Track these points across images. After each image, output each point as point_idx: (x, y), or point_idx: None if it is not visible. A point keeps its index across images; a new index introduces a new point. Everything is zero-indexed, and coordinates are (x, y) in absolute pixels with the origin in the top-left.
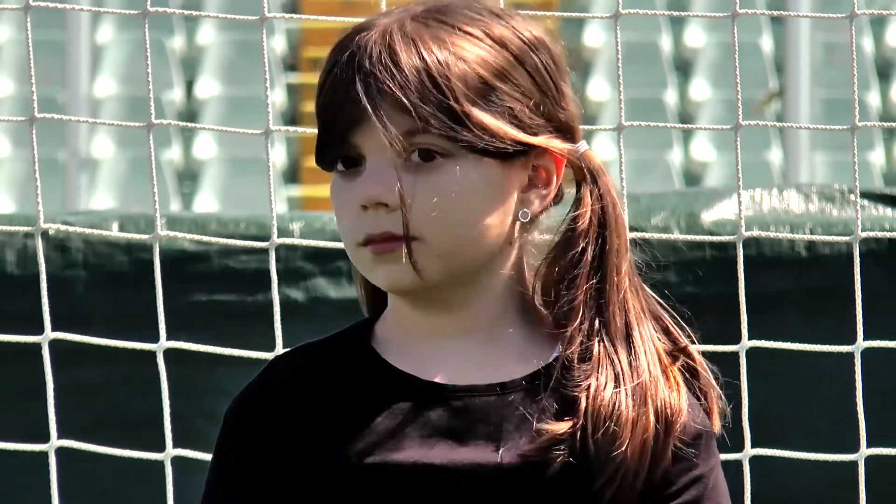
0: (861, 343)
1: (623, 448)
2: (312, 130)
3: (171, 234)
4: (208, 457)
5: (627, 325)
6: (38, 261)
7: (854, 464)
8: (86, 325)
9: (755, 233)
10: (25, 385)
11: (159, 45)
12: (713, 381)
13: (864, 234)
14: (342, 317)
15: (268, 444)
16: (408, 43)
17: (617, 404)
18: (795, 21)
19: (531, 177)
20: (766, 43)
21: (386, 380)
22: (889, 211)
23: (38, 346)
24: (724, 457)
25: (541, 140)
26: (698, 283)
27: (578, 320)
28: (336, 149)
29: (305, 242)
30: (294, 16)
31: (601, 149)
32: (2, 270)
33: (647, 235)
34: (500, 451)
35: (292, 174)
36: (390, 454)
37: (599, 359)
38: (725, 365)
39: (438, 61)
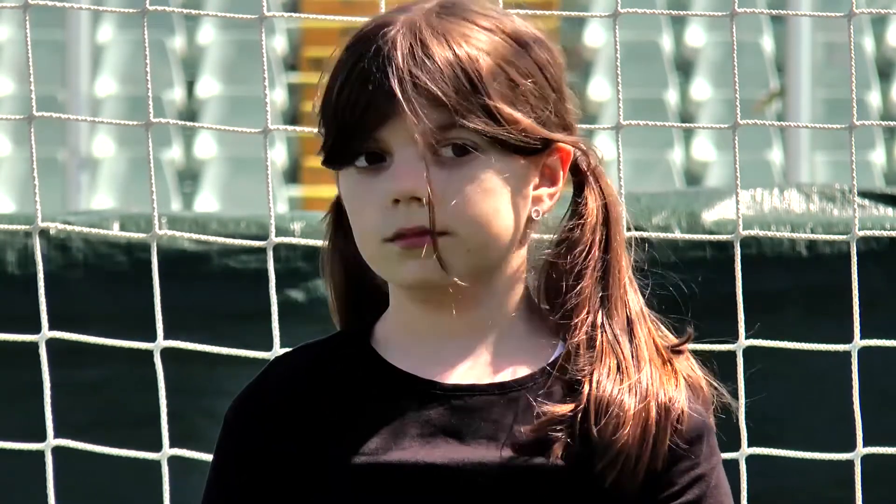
0: (858, 342)
1: (624, 431)
2: (312, 130)
3: (169, 233)
4: (207, 456)
5: (629, 319)
6: (36, 260)
7: (852, 463)
8: (86, 324)
9: (753, 232)
10: (26, 384)
11: (160, 44)
12: (702, 380)
13: (861, 234)
14: None
15: (268, 443)
16: (437, 37)
17: (619, 391)
18: (796, 21)
19: (540, 175)
20: (767, 42)
21: (386, 380)
22: (889, 210)
23: (37, 346)
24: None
25: (561, 137)
26: (699, 282)
27: (584, 314)
28: (362, 144)
29: (305, 242)
30: (294, 15)
31: (602, 148)
32: (2, 270)
33: (647, 235)
34: (501, 450)
35: (293, 174)
36: (392, 454)
37: (603, 348)
38: (725, 364)
39: (469, 56)
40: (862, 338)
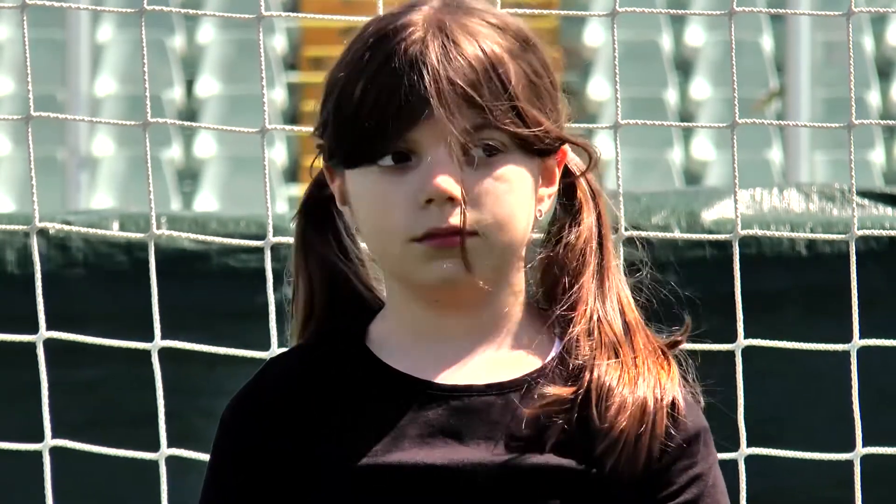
0: (857, 342)
1: (624, 416)
2: (311, 129)
3: (167, 233)
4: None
5: (623, 313)
6: (34, 260)
7: (851, 463)
8: (85, 323)
9: (752, 231)
10: (25, 384)
11: (159, 44)
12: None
13: (860, 233)
14: None
15: (265, 441)
16: (466, 37)
17: (618, 379)
18: (796, 20)
19: (542, 175)
20: (767, 42)
21: (384, 381)
22: (889, 210)
23: (35, 345)
24: (719, 456)
25: (573, 138)
26: (699, 281)
27: (582, 309)
28: (391, 144)
29: None
30: (292, 14)
31: (601, 147)
32: (2, 270)
33: (647, 234)
34: (500, 450)
35: (292, 173)
36: (391, 455)
37: (602, 340)
38: (725, 364)
39: (498, 56)
40: (861, 337)
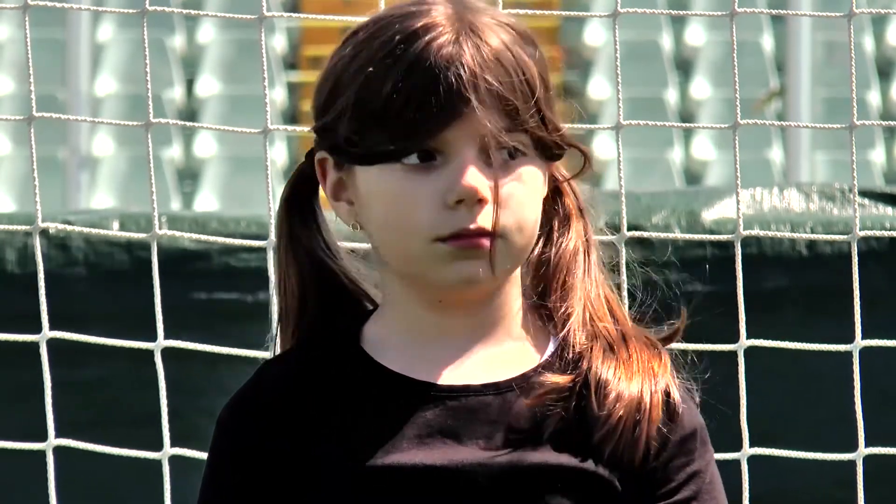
0: (859, 342)
1: (622, 403)
2: (301, 129)
3: (169, 233)
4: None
5: (611, 310)
6: (37, 261)
7: (853, 463)
8: (86, 323)
9: (753, 231)
10: (26, 383)
11: (160, 43)
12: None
13: (861, 233)
14: None
15: (263, 440)
16: (494, 38)
17: (615, 369)
18: (796, 20)
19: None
20: (767, 42)
21: (381, 381)
22: (889, 210)
23: (37, 345)
24: (722, 456)
25: (578, 144)
26: (699, 281)
27: (575, 304)
28: (421, 143)
29: None
30: (293, 15)
31: (602, 147)
32: (2, 269)
33: (647, 234)
34: (500, 450)
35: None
36: (390, 456)
37: (596, 333)
38: (725, 363)
39: (523, 59)
40: (862, 338)
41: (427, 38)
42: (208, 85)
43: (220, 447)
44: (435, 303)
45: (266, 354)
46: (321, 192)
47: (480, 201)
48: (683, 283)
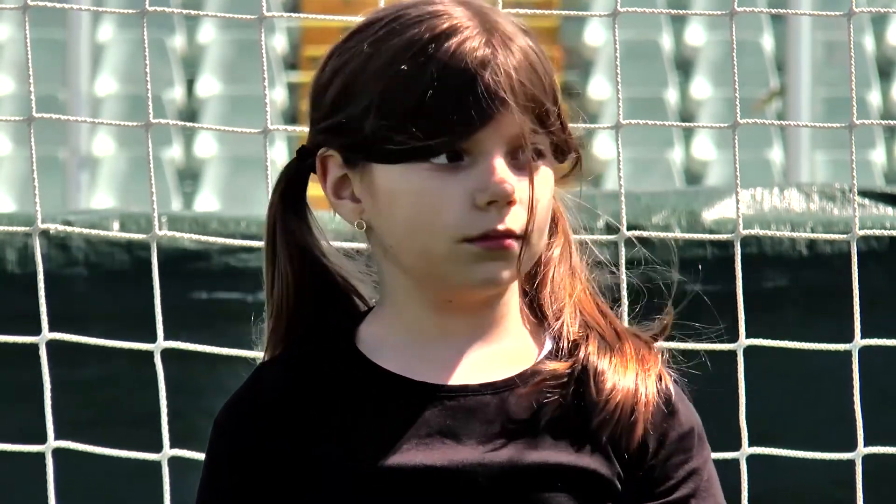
0: (858, 342)
1: (618, 391)
2: (301, 129)
3: (169, 233)
4: None
5: (598, 306)
6: (37, 262)
7: (853, 463)
8: (86, 323)
9: (753, 231)
10: (26, 384)
11: (160, 43)
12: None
13: (861, 233)
14: None
15: (261, 441)
16: (519, 41)
17: (608, 361)
18: (796, 20)
19: None
20: (767, 41)
21: (379, 382)
22: (889, 210)
23: (37, 346)
24: (721, 455)
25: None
26: (700, 281)
27: (566, 301)
28: (453, 142)
29: None
30: (293, 15)
31: (602, 147)
32: (3, 269)
33: (647, 234)
34: (499, 449)
35: None
36: (390, 457)
37: (588, 325)
38: (726, 363)
39: (546, 62)
40: (862, 337)
41: (458, 38)
42: (208, 85)
43: (217, 449)
44: (442, 303)
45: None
46: (313, 192)
47: (509, 203)
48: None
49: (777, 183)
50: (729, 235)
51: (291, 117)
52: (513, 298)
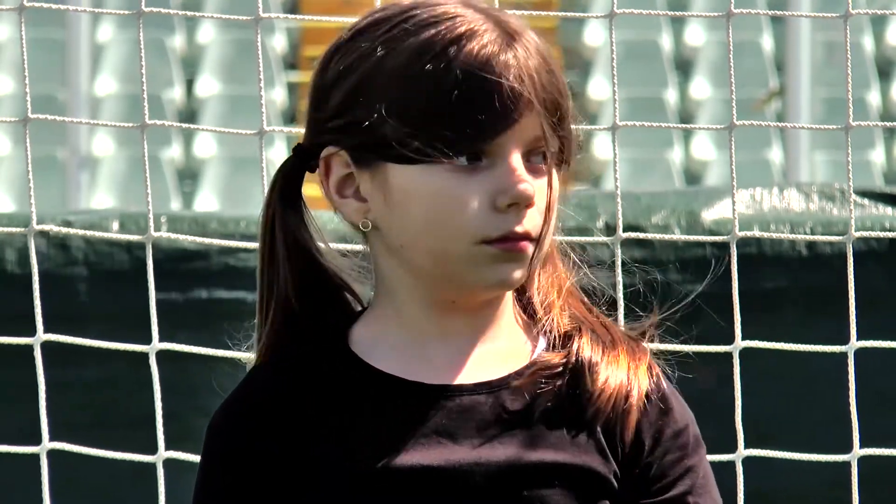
0: (854, 343)
1: (613, 381)
2: (299, 130)
3: (165, 234)
4: None
5: (585, 304)
6: (32, 263)
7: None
8: (86, 323)
9: (749, 233)
10: (27, 383)
11: (159, 43)
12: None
13: (858, 234)
14: None
15: (252, 442)
16: (537, 45)
17: (601, 350)
18: (796, 20)
19: None
20: (767, 42)
21: (374, 383)
22: (889, 210)
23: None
24: (717, 457)
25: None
26: (699, 281)
27: (556, 298)
28: (476, 144)
29: None
30: (289, 16)
31: (601, 148)
32: (2, 269)
33: (647, 235)
34: (496, 448)
35: None
36: (387, 457)
37: (580, 321)
38: (726, 364)
39: (557, 63)
40: (862, 338)
41: (480, 41)
42: (208, 85)
43: (211, 450)
44: (445, 303)
45: None
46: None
47: (528, 205)
48: (682, 283)
49: (777, 183)
50: (725, 237)
51: (291, 117)
52: (507, 298)
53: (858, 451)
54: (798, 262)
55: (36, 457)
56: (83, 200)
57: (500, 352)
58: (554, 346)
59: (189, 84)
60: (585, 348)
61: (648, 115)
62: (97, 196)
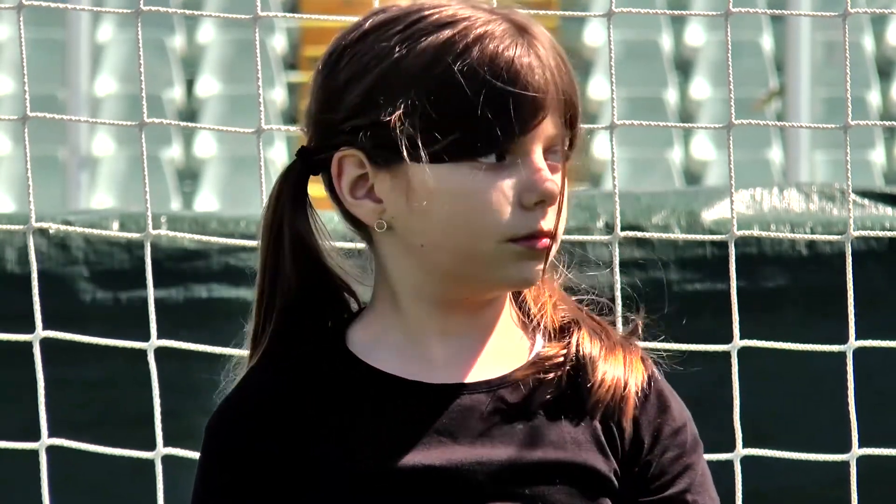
0: (853, 343)
1: (612, 373)
2: (298, 129)
3: (164, 233)
4: None
5: (574, 302)
6: (30, 260)
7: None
8: (86, 322)
9: (748, 232)
10: (27, 382)
11: (160, 43)
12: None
13: (856, 234)
14: None
15: (251, 442)
16: (551, 41)
17: (599, 345)
18: (796, 20)
19: None
20: (767, 42)
21: (374, 383)
22: (889, 210)
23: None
24: (715, 457)
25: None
26: (699, 280)
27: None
28: (508, 143)
29: None
30: (287, 15)
31: (600, 147)
32: (2, 269)
33: (647, 235)
34: (497, 447)
35: None
36: (388, 456)
37: (577, 317)
38: (725, 363)
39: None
40: (863, 337)
41: (502, 41)
42: (208, 85)
43: (209, 449)
44: (452, 303)
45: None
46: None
47: (552, 204)
48: (682, 283)
49: (777, 183)
50: (725, 237)
51: (291, 117)
52: (506, 296)
53: (857, 451)
54: (798, 262)
55: (35, 454)
56: (83, 200)
57: (500, 350)
58: (551, 342)
59: (189, 84)
60: (584, 341)
61: (648, 114)
62: (97, 196)
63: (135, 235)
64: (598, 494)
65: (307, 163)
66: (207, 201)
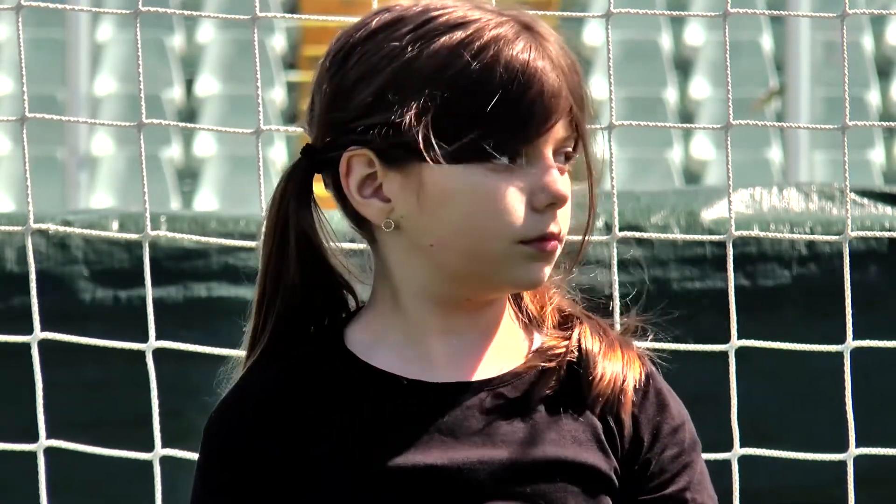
0: (850, 343)
1: (611, 367)
2: (297, 129)
3: (163, 233)
4: None
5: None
6: (28, 260)
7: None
8: (86, 322)
9: (748, 232)
10: (26, 382)
11: (159, 43)
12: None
13: (854, 234)
14: None
15: (250, 442)
16: (561, 42)
17: (597, 337)
18: (795, 20)
19: None
20: (767, 41)
21: (374, 382)
22: (889, 210)
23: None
24: (714, 456)
25: None
26: (699, 280)
27: (548, 299)
28: (523, 145)
29: None
30: (286, 15)
31: (599, 147)
32: (1, 268)
33: (647, 235)
34: (498, 446)
35: None
36: (389, 456)
37: (576, 315)
38: (724, 362)
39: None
40: (862, 337)
41: (516, 43)
42: (208, 85)
43: (209, 449)
44: (455, 302)
45: None
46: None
47: (562, 206)
48: (682, 282)
49: (776, 182)
50: (724, 237)
51: (291, 117)
52: (506, 296)
53: (854, 451)
54: (797, 262)
55: (33, 455)
56: (82, 200)
57: (500, 349)
58: (548, 330)
59: (189, 84)
60: (586, 336)
61: (648, 114)
62: (96, 195)
63: (132, 236)
64: (598, 493)
65: (312, 161)
66: (207, 201)
